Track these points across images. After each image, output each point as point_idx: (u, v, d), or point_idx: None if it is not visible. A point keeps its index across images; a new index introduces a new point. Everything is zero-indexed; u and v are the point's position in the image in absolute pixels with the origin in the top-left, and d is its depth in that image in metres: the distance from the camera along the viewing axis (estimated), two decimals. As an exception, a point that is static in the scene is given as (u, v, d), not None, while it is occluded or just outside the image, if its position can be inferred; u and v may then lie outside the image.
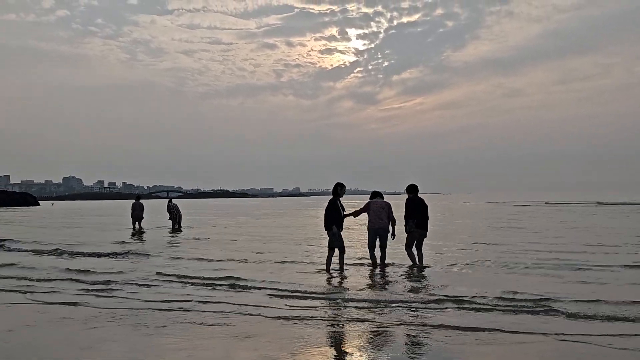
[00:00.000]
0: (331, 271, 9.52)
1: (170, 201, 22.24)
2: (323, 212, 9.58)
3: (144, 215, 21.84)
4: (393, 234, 9.77)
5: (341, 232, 9.53)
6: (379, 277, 9.01)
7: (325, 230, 9.60)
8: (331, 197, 9.67)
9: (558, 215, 30.17)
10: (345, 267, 9.75)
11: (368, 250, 10.01)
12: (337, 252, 9.61)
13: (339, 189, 9.67)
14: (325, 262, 9.73)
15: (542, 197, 76.47)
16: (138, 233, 20.11)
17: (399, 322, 5.85)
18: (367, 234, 9.91)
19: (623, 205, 42.20)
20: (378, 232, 9.74)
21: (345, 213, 9.71)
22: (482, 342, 5.06)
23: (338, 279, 8.87)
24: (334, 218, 9.45)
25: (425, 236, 10.09)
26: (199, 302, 7.16)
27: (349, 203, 10.53)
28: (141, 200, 22.19)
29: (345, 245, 9.72)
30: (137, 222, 21.51)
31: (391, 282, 8.52)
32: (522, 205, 49.42)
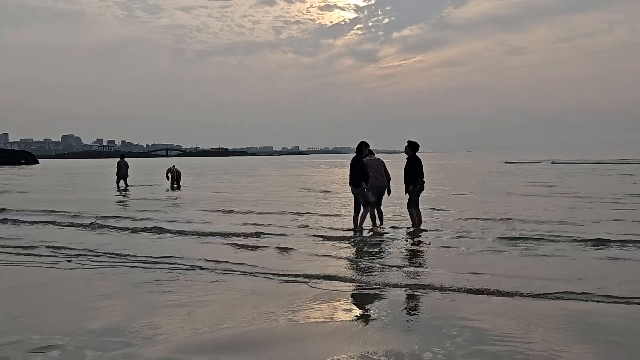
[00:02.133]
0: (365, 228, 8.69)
1: (173, 167, 21.27)
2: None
3: (128, 174, 21.23)
4: (389, 191, 9.26)
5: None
6: (383, 241, 7.95)
7: (351, 186, 8.88)
8: (355, 154, 8.89)
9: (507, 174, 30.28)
10: (345, 232, 8.80)
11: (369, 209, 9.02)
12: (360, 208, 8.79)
13: (364, 148, 8.89)
14: (354, 221, 8.88)
15: (545, 157, 68.59)
16: (125, 191, 19.60)
17: (396, 285, 5.43)
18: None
19: (573, 165, 42.71)
20: (378, 190, 9.09)
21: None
22: (477, 302, 4.76)
23: (352, 242, 7.92)
24: (361, 174, 8.73)
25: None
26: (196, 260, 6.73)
27: (345, 162, 9.68)
28: (126, 159, 21.47)
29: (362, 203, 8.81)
30: (122, 180, 20.90)
31: (393, 246, 7.54)
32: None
